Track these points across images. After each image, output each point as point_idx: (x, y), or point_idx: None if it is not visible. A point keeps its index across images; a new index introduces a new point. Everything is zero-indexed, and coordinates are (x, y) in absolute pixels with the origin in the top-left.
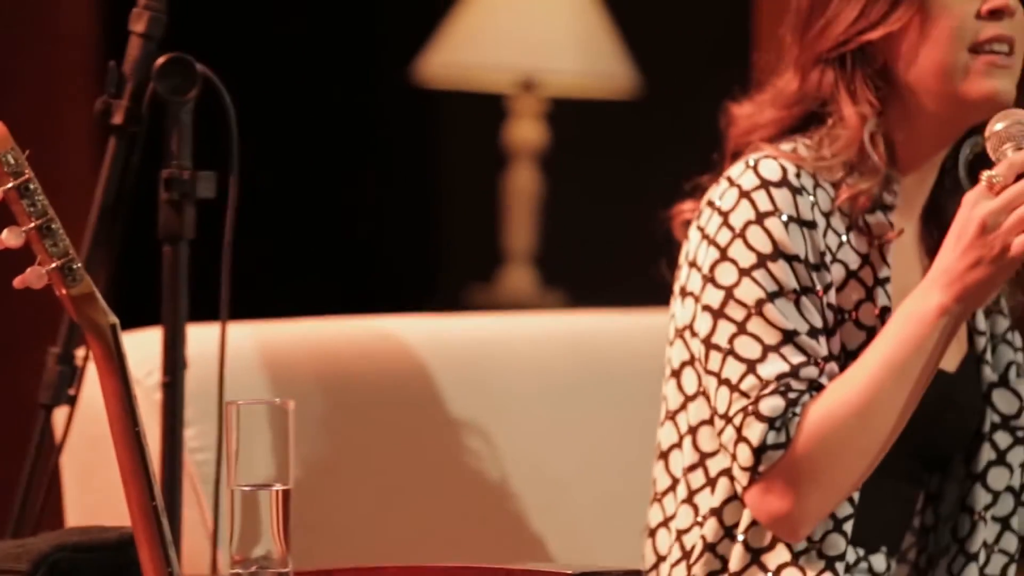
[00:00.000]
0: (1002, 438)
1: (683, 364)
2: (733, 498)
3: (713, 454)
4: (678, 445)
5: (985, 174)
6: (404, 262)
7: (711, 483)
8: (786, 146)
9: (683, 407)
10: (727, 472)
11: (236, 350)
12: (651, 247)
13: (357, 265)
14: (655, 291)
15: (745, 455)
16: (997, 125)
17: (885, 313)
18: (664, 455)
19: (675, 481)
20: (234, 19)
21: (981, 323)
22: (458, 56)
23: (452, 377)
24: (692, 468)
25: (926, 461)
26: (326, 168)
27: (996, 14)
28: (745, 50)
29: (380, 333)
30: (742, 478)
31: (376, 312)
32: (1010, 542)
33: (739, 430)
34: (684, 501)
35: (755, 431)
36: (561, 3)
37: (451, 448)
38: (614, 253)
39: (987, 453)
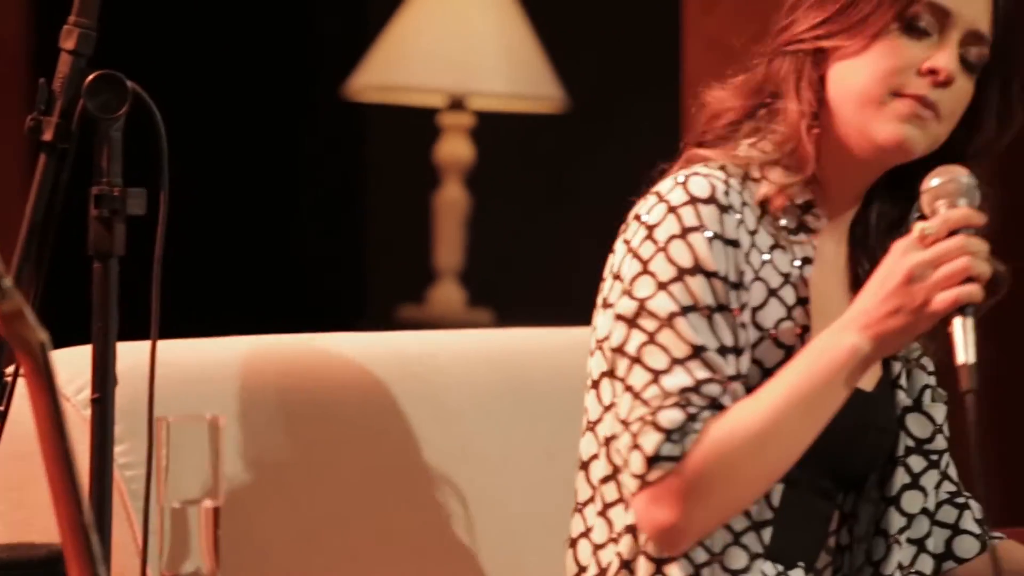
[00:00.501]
0: (916, 462)
1: (602, 375)
2: None
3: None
4: (596, 456)
5: (919, 225)
6: (334, 279)
7: (623, 500)
8: (729, 149)
9: (601, 418)
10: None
11: (166, 367)
12: (577, 264)
13: (287, 282)
14: (581, 307)
15: (638, 462)
16: (933, 181)
17: (806, 332)
18: (585, 465)
19: (594, 491)
20: (164, 36)
21: None
22: (388, 74)
23: (382, 394)
24: (606, 480)
25: (841, 480)
26: (257, 185)
27: (934, 75)
28: (671, 67)
29: (310, 350)
30: (631, 484)
31: (306, 330)
32: (926, 564)
33: (635, 436)
34: (599, 513)
35: (651, 440)
36: (489, 21)
37: (381, 464)
38: (541, 270)
39: (901, 477)
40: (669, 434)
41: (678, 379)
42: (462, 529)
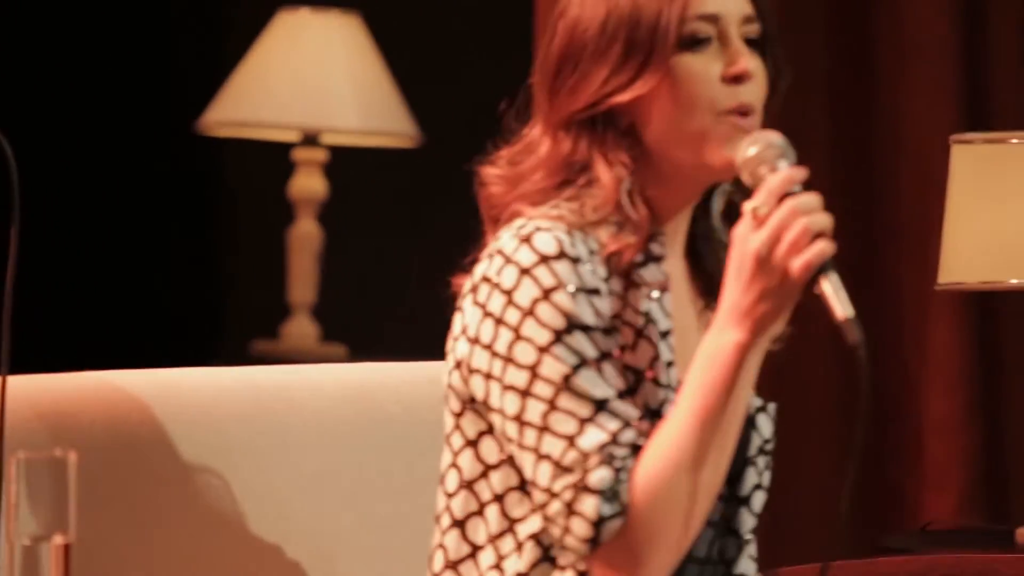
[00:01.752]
0: (762, 462)
1: (480, 434)
2: (541, 561)
3: (522, 519)
4: (479, 513)
5: (748, 206)
6: (187, 314)
7: (519, 547)
8: (551, 210)
9: (484, 476)
10: (535, 536)
11: (17, 402)
12: (431, 299)
13: (140, 317)
14: (435, 342)
15: (583, 529)
16: (749, 150)
17: (669, 367)
18: (460, 523)
19: (476, 549)
20: (15, 69)
21: None
22: (241, 109)
23: (236, 430)
24: (501, 535)
25: None
26: (111, 220)
27: (738, 79)
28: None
29: (164, 385)
30: (581, 549)
31: (160, 365)
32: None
33: (570, 505)
34: (492, 567)
35: (589, 505)
36: (342, 57)
37: (235, 500)
38: (395, 305)
39: (752, 477)
40: (603, 494)
41: (593, 437)
42: (317, 565)
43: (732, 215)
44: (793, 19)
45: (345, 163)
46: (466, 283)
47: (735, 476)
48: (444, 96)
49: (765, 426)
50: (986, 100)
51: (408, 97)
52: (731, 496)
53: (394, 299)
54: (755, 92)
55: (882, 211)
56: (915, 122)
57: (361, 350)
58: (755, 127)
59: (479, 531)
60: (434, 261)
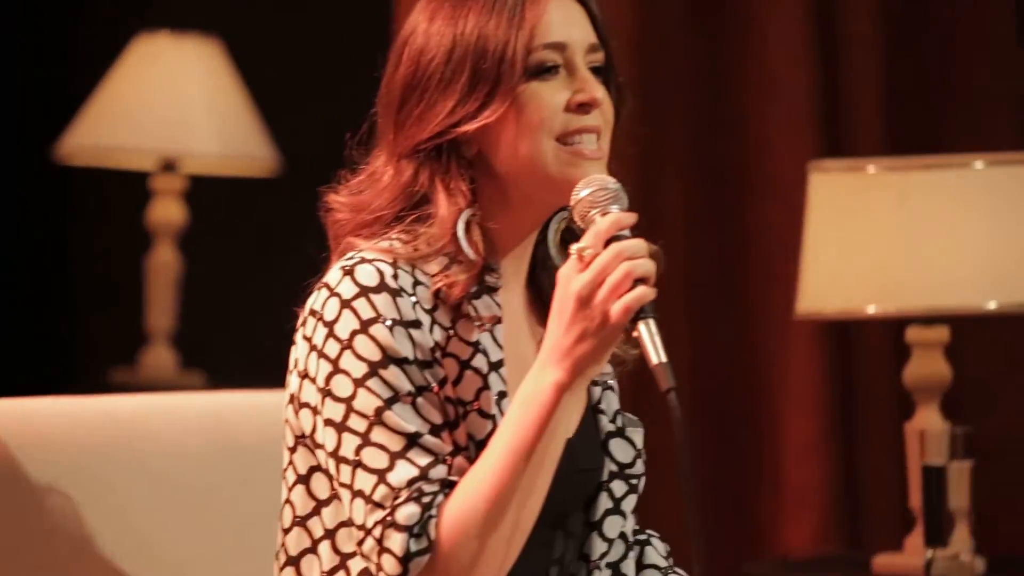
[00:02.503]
0: (618, 486)
1: (311, 469)
2: None
3: (353, 555)
4: (312, 550)
5: (575, 247)
6: (44, 343)
7: None
8: (383, 243)
9: (316, 512)
10: (366, 572)
11: None
12: (289, 327)
13: None
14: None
15: (391, 565)
16: (582, 192)
17: (502, 398)
18: (294, 560)
19: None
20: None
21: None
22: (99, 136)
23: (93, 459)
24: (333, 572)
25: (550, 524)
26: None
27: (585, 107)
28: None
29: (20, 415)
30: None
31: (15, 394)
32: None
33: (380, 541)
34: None
35: (396, 542)
36: (200, 83)
37: (93, 531)
38: (253, 332)
39: (604, 502)
40: (410, 530)
41: (403, 472)
42: None
43: (568, 242)
44: (654, 49)
45: (204, 191)
46: (300, 317)
47: (588, 503)
48: (304, 122)
49: (621, 451)
50: (845, 128)
51: (268, 123)
52: (584, 522)
53: (252, 327)
54: (600, 119)
55: (743, 239)
56: (776, 150)
57: (219, 379)
58: (600, 153)
59: (313, 568)
60: (292, 289)
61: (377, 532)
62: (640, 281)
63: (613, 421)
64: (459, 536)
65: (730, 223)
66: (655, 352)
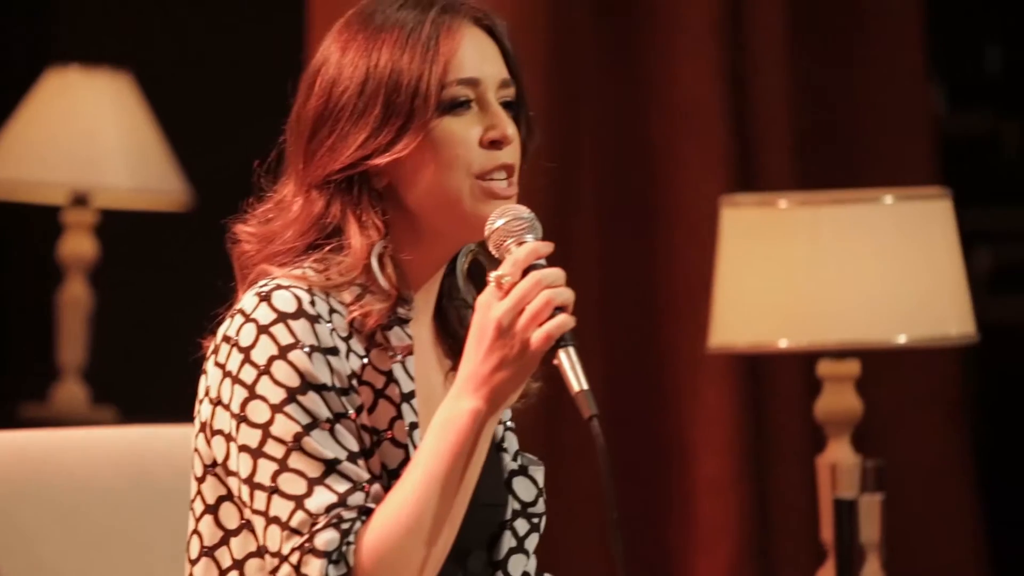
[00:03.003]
0: (521, 525)
1: (220, 499)
2: None
3: None
4: None
5: (493, 275)
6: None
7: None
8: (296, 271)
9: (224, 542)
10: None
11: None
12: (201, 361)
13: None
14: None
15: None
16: (497, 222)
17: (413, 429)
18: None
19: None
20: None
21: None
22: (10, 170)
23: (4, 494)
24: None
25: (454, 555)
26: None
27: (496, 144)
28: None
29: None
30: None
31: None
32: None
33: (297, 568)
34: None
35: (315, 568)
36: (112, 118)
37: (7, 566)
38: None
39: (508, 541)
40: (329, 556)
41: (321, 499)
42: None
43: (475, 274)
44: (568, 83)
45: (115, 225)
46: (211, 344)
47: (493, 541)
48: (216, 156)
49: (524, 489)
50: (756, 163)
51: (180, 157)
52: (488, 561)
53: (164, 362)
54: (512, 155)
55: (656, 273)
56: (688, 185)
57: (131, 413)
58: (513, 190)
59: None
60: (204, 323)
61: (294, 559)
62: (559, 309)
63: (515, 460)
64: (377, 562)
65: (643, 257)
66: (576, 380)
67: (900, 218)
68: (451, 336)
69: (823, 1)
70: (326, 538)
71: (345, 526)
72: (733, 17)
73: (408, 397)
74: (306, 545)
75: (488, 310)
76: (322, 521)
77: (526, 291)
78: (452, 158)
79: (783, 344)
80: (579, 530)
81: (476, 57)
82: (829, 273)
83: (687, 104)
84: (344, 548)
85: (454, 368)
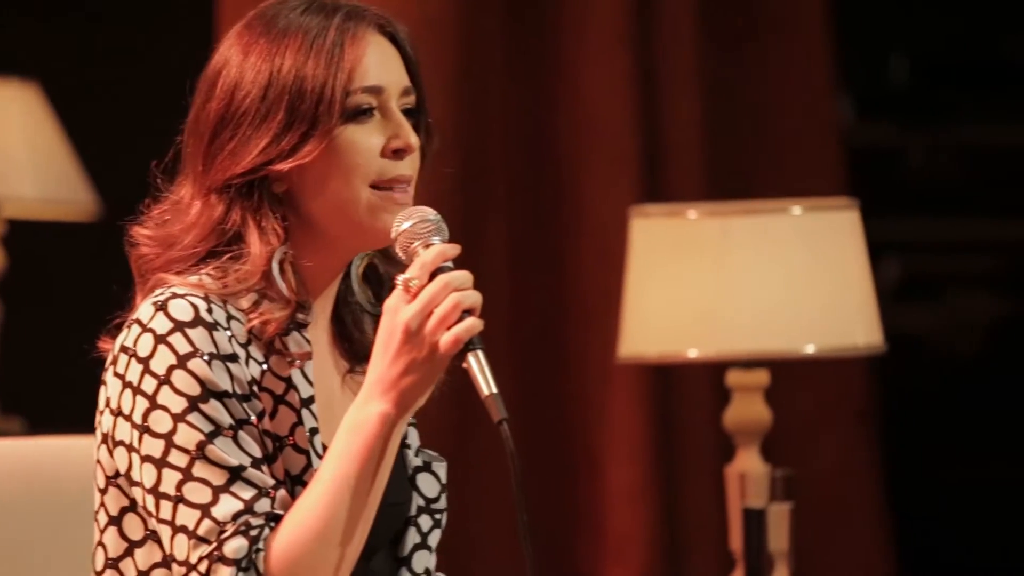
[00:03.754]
0: (425, 521)
1: (123, 510)
2: None
3: None
4: None
5: (401, 278)
6: None
7: None
8: (192, 277)
9: (128, 553)
10: None
11: None
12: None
13: None
14: None
15: None
16: (404, 224)
17: (314, 434)
18: None
19: None
20: None
21: None
22: None
23: None
24: None
25: (362, 555)
26: None
27: (399, 153)
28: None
29: None
30: None
31: None
32: None
33: None
34: None
35: (224, 575)
36: (19, 128)
37: None
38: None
39: (412, 537)
40: (238, 563)
41: (228, 506)
42: None
43: (371, 278)
44: (476, 92)
45: (23, 235)
46: (109, 355)
47: (397, 537)
48: (124, 166)
49: (427, 485)
50: (665, 174)
51: (87, 167)
52: (394, 557)
53: (72, 373)
54: (413, 164)
55: (566, 283)
56: (597, 195)
57: (38, 424)
58: (409, 200)
59: None
60: (111, 334)
61: (203, 567)
62: (467, 312)
63: (417, 456)
64: (288, 568)
65: (552, 267)
66: (486, 383)
67: (808, 228)
68: (347, 339)
69: (731, 11)
70: (235, 545)
71: (254, 533)
72: (642, 26)
73: (308, 402)
74: (215, 553)
75: (396, 313)
76: (230, 529)
77: (434, 294)
78: (353, 166)
79: (692, 354)
80: (493, 534)
81: (380, 65)
82: (738, 283)
83: (596, 114)
84: (254, 555)
85: (351, 371)
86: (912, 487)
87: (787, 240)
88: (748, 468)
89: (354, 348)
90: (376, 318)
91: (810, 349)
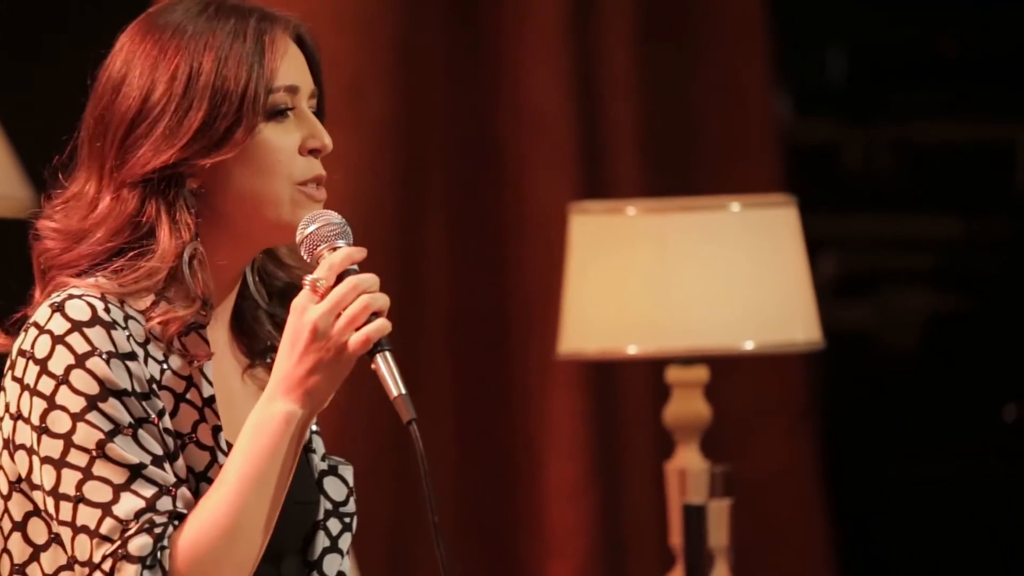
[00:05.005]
0: (334, 525)
1: (27, 515)
2: None
3: None
4: None
5: (308, 278)
6: None
7: None
8: (88, 279)
9: (34, 558)
10: None
11: None
12: None
13: None
14: None
15: None
16: (309, 227)
17: (217, 432)
18: None
19: None
20: None
21: None
22: None
23: None
24: None
25: (269, 557)
26: None
27: (316, 152)
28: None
29: None
30: None
31: None
32: None
33: (111, 574)
34: None
35: (130, 573)
36: None
37: None
38: None
39: (322, 540)
40: (143, 560)
41: (129, 504)
42: None
43: (262, 276)
44: (416, 89)
45: None
46: (8, 359)
47: (307, 541)
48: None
49: (335, 489)
50: (605, 170)
51: (24, 162)
52: (304, 562)
53: None
54: (322, 166)
55: (505, 280)
56: (536, 192)
57: None
58: (324, 197)
59: None
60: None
61: (107, 565)
62: (375, 314)
63: (323, 461)
64: (193, 566)
65: (492, 264)
66: (395, 384)
67: (747, 225)
68: (247, 335)
69: (669, 8)
70: (139, 543)
71: (158, 530)
72: (581, 22)
73: (209, 401)
74: (119, 551)
75: (303, 313)
76: (133, 527)
77: (343, 295)
78: (274, 164)
79: (632, 351)
80: (423, 536)
81: (295, 65)
82: (677, 280)
83: (535, 110)
84: (159, 553)
85: (251, 366)
86: (851, 483)
87: (726, 237)
88: (688, 464)
89: (253, 344)
90: (270, 316)
91: (749, 345)
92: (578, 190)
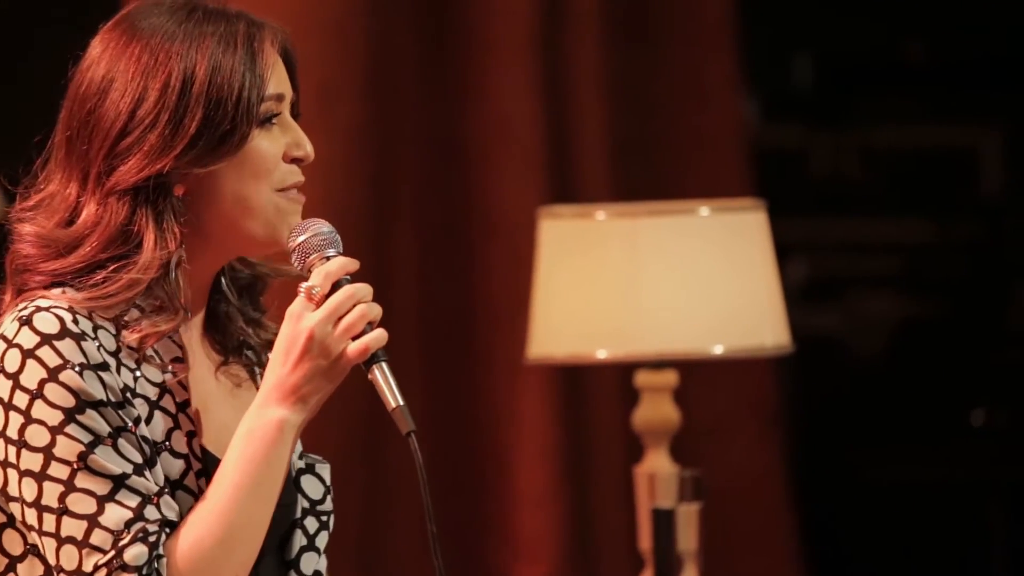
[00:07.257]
0: (311, 523)
1: (1, 527)
2: None
3: None
4: None
5: (304, 286)
6: None
7: None
8: (55, 290)
9: (10, 569)
10: None
11: None
12: None
13: None
14: None
15: None
16: (300, 237)
17: (192, 438)
18: None
19: None
20: None
21: None
22: None
23: None
24: None
25: None
26: None
27: (298, 160)
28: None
29: None
30: None
31: None
32: None
33: None
34: None
35: None
36: None
37: None
38: None
39: (299, 539)
40: (139, 570)
41: (116, 515)
42: None
43: (235, 280)
44: (386, 95)
45: None
46: None
47: (284, 540)
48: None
49: (312, 487)
50: (574, 175)
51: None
52: (281, 560)
53: None
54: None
55: (475, 285)
56: (505, 196)
57: None
58: (303, 200)
59: None
60: None
61: (101, 575)
62: (370, 325)
63: (300, 459)
64: (191, 572)
65: (462, 269)
66: (392, 396)
67: (716, 229)
68: (219, 332)
69: (637, 13)
70: (135, 552)
71: (152, 539)
72: (549, 29)
73: (183, 407)
74: (114, 561)
75: (299, 320)
76: (127, 537)
77: (340, 303)
78: (262, 172)
79: (601, 355)
80: (404, 544)
81: (281, 74)
82: (646, 284)
83: (504, 115)
84: (155, 562)
85: (225, 363)
86: (819, 486)
87: (695, 241)
88: (657, 469)
89: (226, 341)
90: (240, 312)
91: (718, 350)
92: (547, 194)
